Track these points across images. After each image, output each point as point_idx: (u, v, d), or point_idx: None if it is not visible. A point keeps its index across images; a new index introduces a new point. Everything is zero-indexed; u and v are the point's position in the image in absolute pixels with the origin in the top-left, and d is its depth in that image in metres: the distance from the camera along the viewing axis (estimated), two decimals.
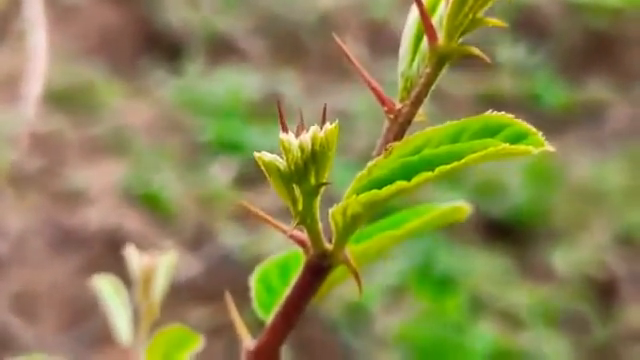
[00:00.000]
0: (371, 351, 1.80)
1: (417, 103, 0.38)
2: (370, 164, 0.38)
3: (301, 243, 0.39)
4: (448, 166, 0.34)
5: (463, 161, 0.34)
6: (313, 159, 0.35)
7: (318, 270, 0.39)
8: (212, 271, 1.87)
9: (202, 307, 1.81)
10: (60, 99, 2.23)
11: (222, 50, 2.46)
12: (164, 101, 2.30)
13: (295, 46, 2.50)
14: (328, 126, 0.35)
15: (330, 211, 0.38)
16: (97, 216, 1.94)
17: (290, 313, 0.40)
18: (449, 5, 0.36)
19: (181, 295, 1.84)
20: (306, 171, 0.35)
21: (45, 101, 2.17)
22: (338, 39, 0.37)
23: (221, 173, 2.12)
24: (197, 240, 1.93)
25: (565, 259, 2.03)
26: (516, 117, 0.35)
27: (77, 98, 2.24)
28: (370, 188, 0.36)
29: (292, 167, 0.35)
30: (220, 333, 1.60)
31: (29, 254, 1.86)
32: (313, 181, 0.36)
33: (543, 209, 2.15)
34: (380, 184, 0.36)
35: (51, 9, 2.44)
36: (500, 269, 2.01)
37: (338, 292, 1.85)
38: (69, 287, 1.80)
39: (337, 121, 0.35)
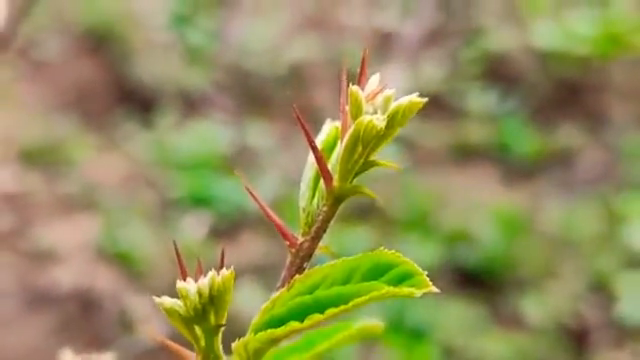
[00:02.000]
0: None
1: (317, 238, 0.40)
2: (273, 297, 0.40)
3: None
4: (336, 309, 0.36)
5: (350, 304, 0.36)
6: (211, 302, 0.37)
7: None
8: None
9: None
10: (32, 156, 2.24)
11: (193, 104, 2.48)
12: (136, 155, 2.32)
13: (266, 98, 2.53)
14: (224, 272, 0.37)
15: (233, 345, 0.40)
16: (69, 275, 1.95)
17: None
18: (341, 151, 0.38)
19: (154, 352, 1.85)
20: (205, 314, 0.37)
21: (16, 159, 2.19)
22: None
23: (194, 228, 2.14)
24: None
25: (537, 307, 2.04)
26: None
27: (48, 155, 2.26)
28: (270, 324, 0.38)
29: (191, 311, 0.37)
30: None
31: (1, 314, 1.86)
32: (213, 321, 0.38)
33: (514, 257, 2.17)
34: (279, 322, 0.38)
35: (23, 64, 2.47)
36: (472, 318, 2.02)
37: None
38: (42, 348, 1.80)
39: (232, 267, 0.37)
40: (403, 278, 0.37)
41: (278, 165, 2.25)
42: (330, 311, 0.36)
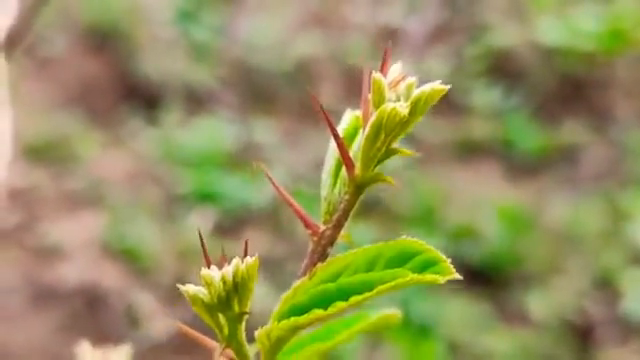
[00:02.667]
0: None
1: (339, 226, 0.40)
2: (295, 285, 0.40)
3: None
4: (360, 297, 0.36)
5: (374, 292, 0.36)
6: (235, 290, 0.37)
7: None
8: (191, 325, 1.88)
9: None
10: (37, 152, 2.24)
11: (199, 100, 2.48)
12: (141, 152, 2.32)
13: (271, 95, 2.53)
14: (249, 259, 0.37)
15: (256, 334, 0.40)
16: (75, 271, 1.95)
17: None
18: (363, 139, 0.38)
19: (159, 350, 1.85)
20: (229, 301, 0.37)
21: (22, 155, 2.19)
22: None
23: (199, 224, 2.14)
24: (176, 293, 1.94)
25: (542, 303, 2.04)
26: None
27: (54, 151, 2.26)
28: (293, 312, 0.39)
29: (215, 299, 0.37)
30: None
31: (6, 311, 1.86)
32: (236, 309, 0.38)
33: (519, 253, 2.17)
34: (301, 310, 0.38)
35: (29, 60, 2.47)
36: (477, 315, 2.02)
37: None
38: (48, 344, 1.81)
39: (257, 255, 0.37)
40: (427, 265, 0.37)
41: (283, 161, 2.25)
42: (354, 298, 0.36)
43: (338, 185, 0.41)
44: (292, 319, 0.38)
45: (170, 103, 2.45)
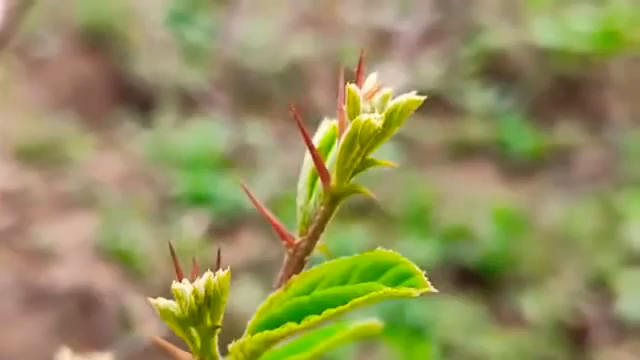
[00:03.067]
0: None
1: (314, 238, 0.40)
2: (270, 297, 0.39)
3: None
4: (334, 310, 0.36)
5: (348, 305, 0.36)
6: (207, 304, 0.37)
7: None
8: None
9: None
10: (30, 154, 2.23)
11: (192, 102, 2.48)
12: (135, 154, 2.31)
13: (264, 96, 2.52)
14: (221, 273, 0.37)
15: (229, 347, 0.39)
16: (68, 274, 1.95)
17: None
18: (338, 150, 0.38)
19: (153, 351, 1.85)
20: (201, 315, 0.37)
21: (15, 157, 2.18)
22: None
23: (192, 226, 2.13)
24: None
25: (536, 305, 2.04)
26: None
27: (47, 153, 2.25)
28: (268, 325, 0.38)
29: (186, 312, 0.36)
30: None
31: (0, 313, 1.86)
32: (209, 322, 0.37)
33: (513, 255, 2.16)
34: (276, 322, 0.38)
35: (22, 62, 2.46)
36: (471, 316, 2.02)
37: None
38: (41, 347, 1.80)
39: (229, 268, 0.36)
40: (402, 278, 0.36)
41: (276, 163, 2.25)
42: (328, 312, 0.36)
43: (314, 196, 0.40)
44: (265, 332, 0.37)
45: (163, 105, 2.45)
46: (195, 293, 0.36)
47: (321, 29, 2.69)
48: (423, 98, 0.38)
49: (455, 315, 2.02)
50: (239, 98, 2.51)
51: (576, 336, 2.01)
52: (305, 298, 0.38)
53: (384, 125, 0.37)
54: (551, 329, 2.00)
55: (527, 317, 2.02)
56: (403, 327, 1.99)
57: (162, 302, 0.36)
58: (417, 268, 0.37)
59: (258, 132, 2.39)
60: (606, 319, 2.03)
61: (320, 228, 0.40)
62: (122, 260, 2.02)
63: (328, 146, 0.41)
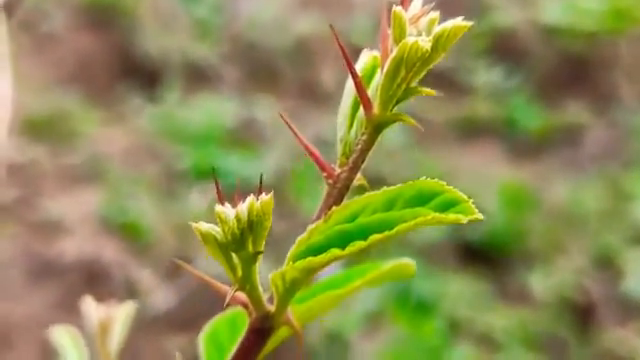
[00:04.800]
0: None
1: (355, 169, 0.39)
2: (310, 228, 0.39)
3: (244, 305, 0.40)
4: (380, 235, 0.35)
5: (394, 230, 0.35)
6: (250, 228, 0.36)
7: (261, 332, 0.40)
8: (189, 300, 1.87)
9: (179, 336, 1.82)
10: (36, 128, 2.23)
11: (199, 77, 2.47)
12: (141, 129, 2.31)
13: (272, 72, 2.51)
14: (264, 196, 0.36)
15: (270, 276, 0.38)
16: (74, 246, 1.94)
17: None
18: (382, 77, 0.37)
19: (158, 324, 1.85)
20: (243, 240, 0.36)
21: (21, 130, 2.18)
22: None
23: (199, 201, 2.13)
24: (174, 269, 1.93)
25: (543, 282, 2.03)
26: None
27: (53, 127, 2.24)
28: (308, 253, 0.37)
29: (229, 237, 0.36)
30: None
31: (5, 285, 1.86)
32: (251, 249, 0.37)
33: (520, 232, 2.16)
34: (317, 250, 0.37)
35: (27, 36, 2.45)
36: (477, 293, 2.01)
37: (316, 320, 1.85)
38: (47, 318, 1.80)
39: (272, 192, 0.36)
40: (448, 205, 0.36)
41: (283, 139, 2.24)
42: (373, 237, 0.35)
43: (355, 126, 0.39)
44: (308, 259, 0.36)
45: (170, 80, 2.44)
46: (238, 217, 0.36)
47: (329, 5, 2.67)
48: (470, 24, 0.37)
49: (461, 292, 2.02)
50: (247, 73, 2.50)
51: (582, 314, 2.01)
52: (348, 225, 0.37)
53: (431, 49, 0.36)
54: (557, 307, 2.00)
55: (533, 294, 2.02)
56: (409, 303, 1.99)
57: (204, 226, 0.36)
58: (464, 196, 0.36)
59: (265, 108, 2.38)
60: (612, 297, 2.03)
61: (361, 158, 0.39)
62: (128, 233, 2.02)
63: (369, 76, 0.40)
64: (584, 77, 2.58)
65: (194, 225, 0.36)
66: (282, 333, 0.41)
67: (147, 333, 1.82)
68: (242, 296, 0.40)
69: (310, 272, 0.38)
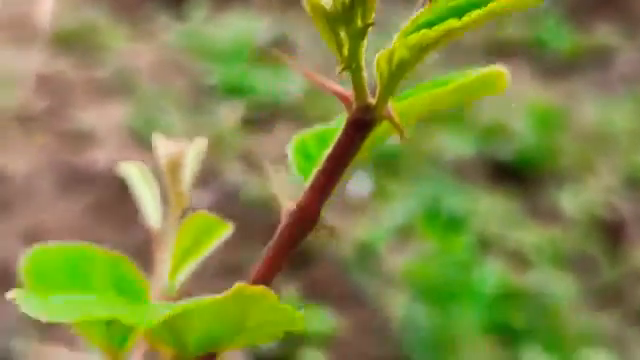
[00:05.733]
0: (380, 290, 1.80)
1: None
2: (415, 13, 0.37)
3: (343, 98, 0.38)
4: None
5: None
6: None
7: (361, 125, 0.38)
8: (219, 208, 1.87)
9: None
10: (65, 41, 2.21)
11: None
12: (169, 45, 2.29)
13: None
14: None
15: (376, 57, 0.37)
16: (104, 156, 1.94)
17: (332, 170, 0.39)
18: None
19: None
20: (352, 11, 0.34)
21: (51, 43, 2.16)
22: None
23: (227, 116, 2.11)
24: (203, 179, 1.92)
25: (572, 201, 2.02)
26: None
27: (82, 40, 2.23)
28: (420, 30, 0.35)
29: (339, 7, 0.34)
30: (232, 271, 1.59)
31: (36, 194, 1.85)
32: (359, 22, 0.35)
33: (550, 152, 2.15)
34: (430, 26, 0.35)
35: None
36: (508, 210, 2.01)
37: (349, 233, 1.85)
38: (76, 227, 1.79)
39: None
40: None
41: (313, 58, 2.22)
42: (490, 6, 0.33)
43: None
44: (422, 31, 0.35)
45: None
46: None
47: None
48: None
49: (492, 209, 2.01)
50: None
51: (612, 232, 2.00)
52: (463, 1, 0.35)
53: None
54: (587, 225, 1.99)
55: (563, 213, 2.01)
56: (439, 219, 1.98)
57: None
58: None
59: (295, 26, 2.36)
60: None
61: None
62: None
63: None
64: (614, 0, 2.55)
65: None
66: (381, 131, 0.40)
67: None
68: (341, 89, 0.38)
69: (422, 51, 0.36)
